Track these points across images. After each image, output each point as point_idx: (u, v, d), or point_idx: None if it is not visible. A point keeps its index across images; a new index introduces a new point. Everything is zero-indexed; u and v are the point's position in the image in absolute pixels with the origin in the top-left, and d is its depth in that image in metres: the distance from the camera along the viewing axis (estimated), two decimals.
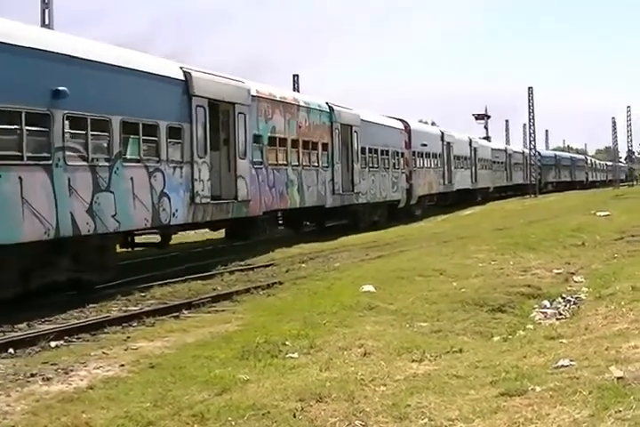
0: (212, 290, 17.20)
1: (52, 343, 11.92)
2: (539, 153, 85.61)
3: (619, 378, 7.63)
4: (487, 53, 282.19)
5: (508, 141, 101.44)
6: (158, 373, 9.60)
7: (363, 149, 34.04)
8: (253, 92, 24.22)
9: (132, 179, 17.75)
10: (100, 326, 13.21)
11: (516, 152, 75.45)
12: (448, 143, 49.35)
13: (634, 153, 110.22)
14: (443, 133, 49.07)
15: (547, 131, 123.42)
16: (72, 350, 11.43)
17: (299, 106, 28.15)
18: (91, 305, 15.31)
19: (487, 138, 79.70)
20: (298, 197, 27.45)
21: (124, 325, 13.47)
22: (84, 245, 16.65)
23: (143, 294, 16.53)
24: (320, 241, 27.02)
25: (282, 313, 13.19)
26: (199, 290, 17.15)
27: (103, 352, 11.02)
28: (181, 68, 20.56)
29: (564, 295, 15.32)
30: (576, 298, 14.85)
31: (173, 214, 19.47)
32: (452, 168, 50.07)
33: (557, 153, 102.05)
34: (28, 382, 9.50)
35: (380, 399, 7.87)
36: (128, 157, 17.67)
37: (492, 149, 65.93)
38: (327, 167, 30.08)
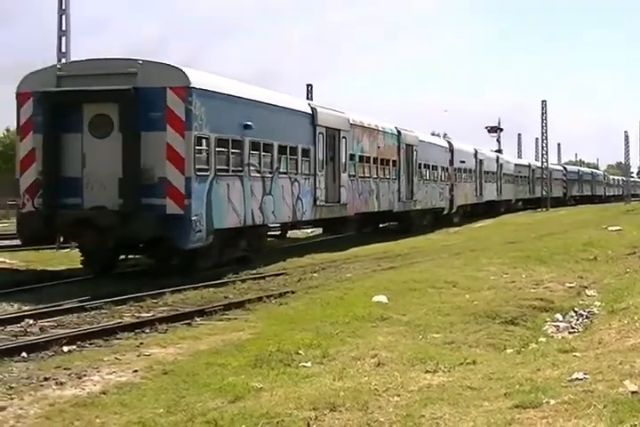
0: (224, 298, 17.14)
1: (65, 348, 11.91)
2: (564, 168, 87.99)
3: (633, 392, 7.62)
4: (496, 66, 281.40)
5: (519, 155, 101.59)
6: (171, 379, 9.61)
7: (419, 165, 40.49)
8: (351, 121, 30.99)
9: (282, 186, 24.71)
10: (112, 331, 13.20)
11: (539, 167, 76.99)
12: (480, 160, 54.43)
13: None
14: (476, 151, 54.09)
15: (559, 144, 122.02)
16: (85, 355, 11.42)
17: (378, 131, 34.74)
18: (102, 311, 15.33)
19: (499, 151, 79.74)
20: (376, 202, 34.33)
21: (136, 331, 13.42)
22: (253, 232, 23.29)
23: (155, 301, 16.50)
24: (331, 251, 27.04)
25: (294, 322, 13.18)
26: (211, 298, 17.12)
27: (116, 358, 11.02)
28: (309, 104, 28.14)
29: (576, 309, 15.32)
30: (588, 312, 14.86)
31: (304, 213, 26.60)
32: (483, 182, 54.97)
33: (580, 168, 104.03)
34: (42, 385, 9.51)
35: (393, 410, 7.86)
36: (281, 170, 24.65)
37: (516, 165, 69.22)
38: (395, 179, 36.78)
